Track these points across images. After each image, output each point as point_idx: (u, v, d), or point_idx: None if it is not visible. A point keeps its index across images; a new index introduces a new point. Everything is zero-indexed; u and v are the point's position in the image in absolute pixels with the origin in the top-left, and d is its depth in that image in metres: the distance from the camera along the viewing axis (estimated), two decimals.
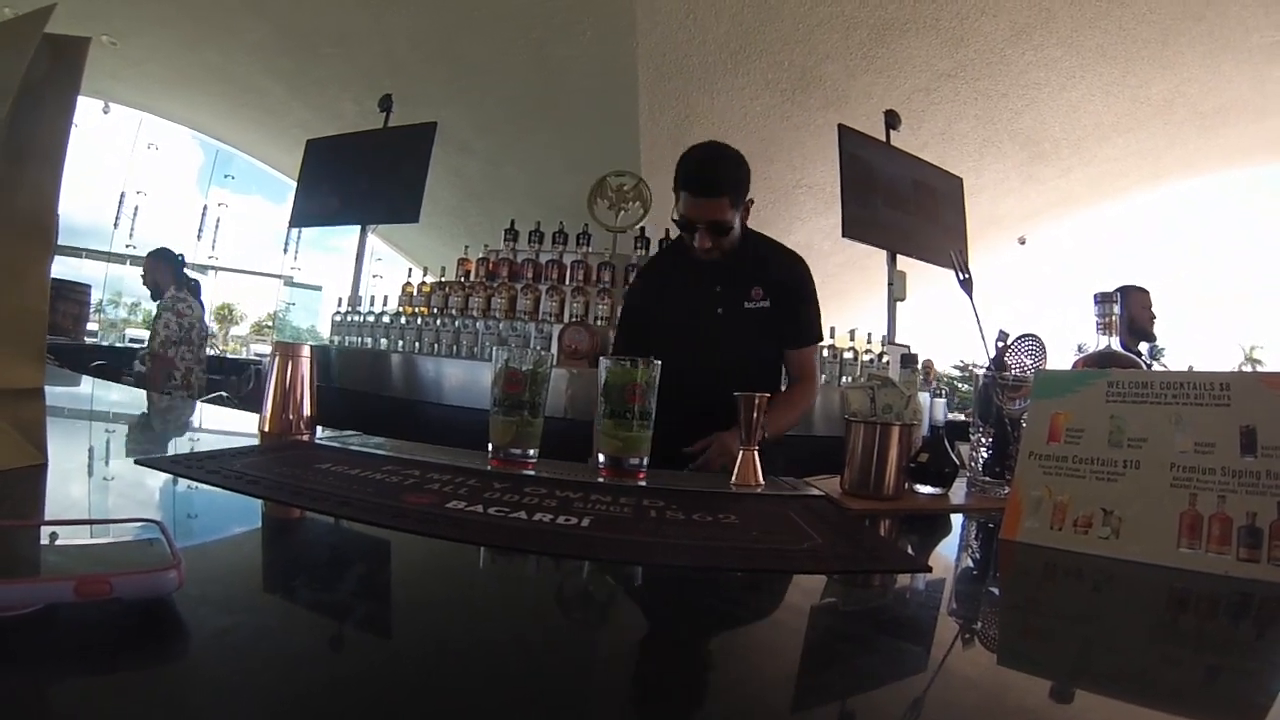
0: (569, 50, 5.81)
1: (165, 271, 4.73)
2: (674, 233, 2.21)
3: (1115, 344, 1.25)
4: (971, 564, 0.91)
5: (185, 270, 4.89)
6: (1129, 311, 3.99)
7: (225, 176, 18.54)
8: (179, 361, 4.49)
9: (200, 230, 18.79)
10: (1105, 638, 0.60)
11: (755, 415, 1.18)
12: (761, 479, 1.18)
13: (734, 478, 1.18)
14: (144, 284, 4.79)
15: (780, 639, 0.55)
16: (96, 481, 0.89)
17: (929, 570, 0.76)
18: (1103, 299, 1.26)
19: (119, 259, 16.71)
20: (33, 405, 0.82)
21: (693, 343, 1.97)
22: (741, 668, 0.48)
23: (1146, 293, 4.15)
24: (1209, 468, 0.80)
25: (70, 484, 0.84)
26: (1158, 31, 5.41)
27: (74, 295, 7.16)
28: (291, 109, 8.09)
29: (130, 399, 2.20)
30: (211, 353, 7.41)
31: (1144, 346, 4.14)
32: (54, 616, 0.40)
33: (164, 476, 0.86)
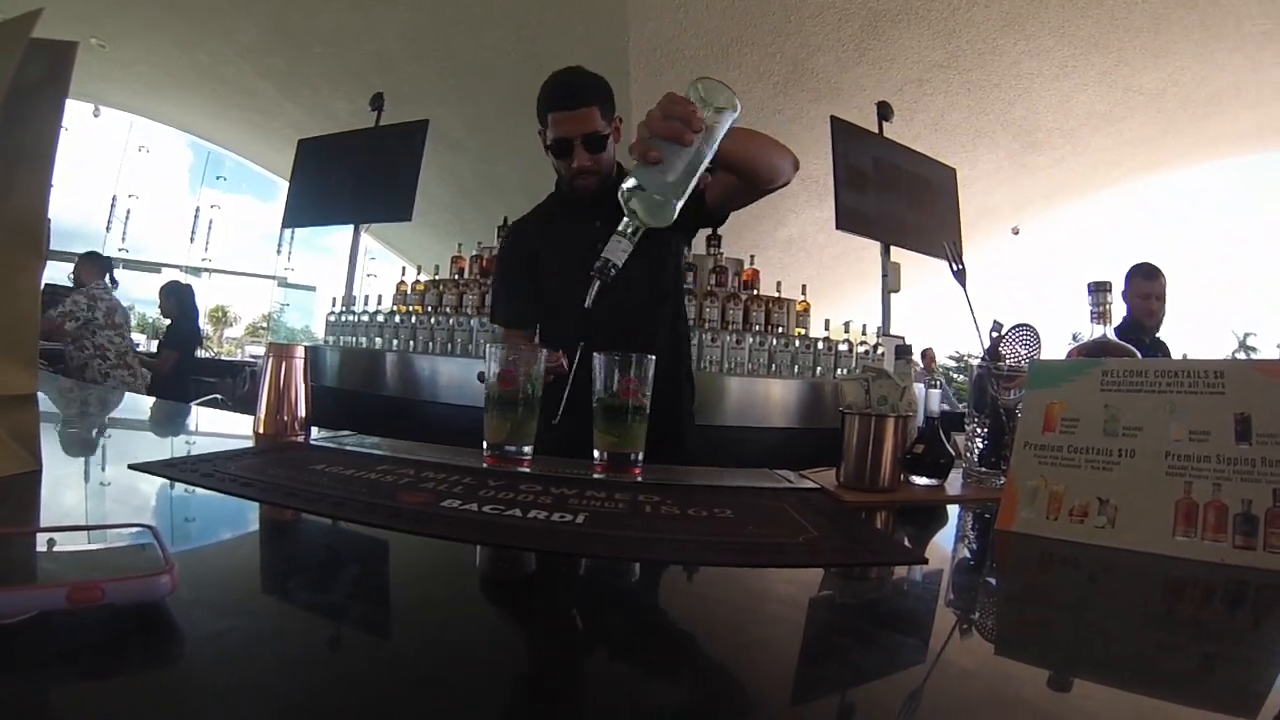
0: (560, 46, 5.79)
1: (90, 271, 5.01)
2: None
3: (1110, 333, 1.25)
4: (968, 555, 0.91)
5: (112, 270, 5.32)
6: (1127, 301, 3.80)
7: (217, 178, 18.53)
8: (108, 345, 4.71)
9: (193, 233, 18.77)
10: (1102, 627, 0.61)
11: None
12: None
13: None
14: (70, 277, 5.12)
15: (777, 633, 0.55)
16: (90, 487, 0.89)
17: (925, 562, 0.76)
18: (1096, 288, 1.26)
19: (113, 263, 16.65)
20: (26, 411, 0.82)
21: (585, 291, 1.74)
22: (739, 662, 0.48)
23: (1155, 280, 3.80)
24: (1204, 456, 0.80)
25: (64, 490, 0.83)
26: (1149, 20, 5.41)
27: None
28: (283, 109, 8.06)
29: (124, 403, 2.19)
30: (206, 355, 7.40)
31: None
32: (47, 623, 0.40)
33: (158, 481, 0.86)
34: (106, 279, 5.04)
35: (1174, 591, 0.74)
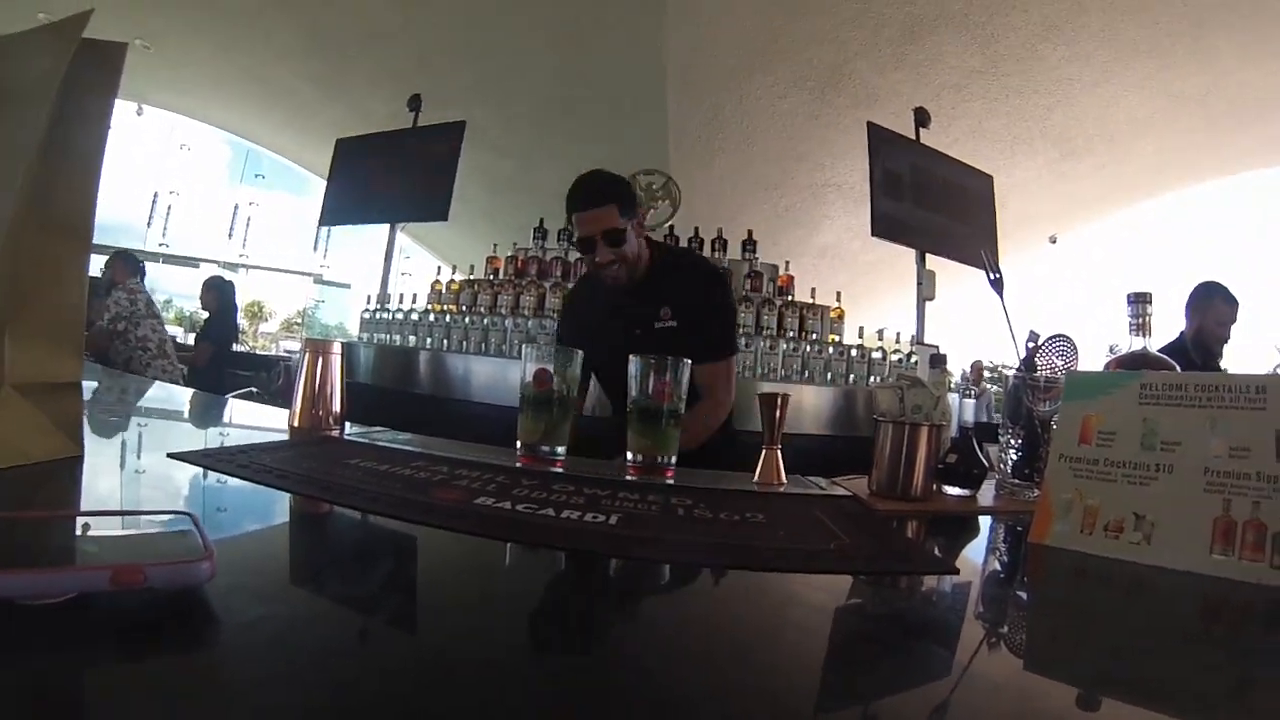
0: (598, 49, 5.82)
1: (123, 270, 5.08)
2: (702, 233, 2.24)
3: (1149, 345, 1.23)
4: (999, 567, 0.90)
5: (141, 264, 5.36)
6: (1199, 320, 3.60)
7: (255, 176, 18.83)
8: (150, 335, 4.78)
9: (231, 229, 19.09)
10: (1135, 645, 0.60)
11: (776, 414, 1.18)
12: (784, 477, 1.18)
13: (756, 476, 1.18)
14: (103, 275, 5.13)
15: (806, 640, 0.55)
16: (130, 474, 0.91)
17: (956, 573, 0.75)
18: (1136, 299, 1.24)
19: (152, 257, 17.00)
20: (70, 398, 0.84)
21: (617, 368, 1.80)
22: (766, 669, 0.48)
23: (1235, 308, 3.64)
24: (1244, 473, 0.78)
25: (105, 476, 0.85)
26: (1192, 24, 5.32)
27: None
28: (321, 109, 8.18)
29: (162, 393, 2.23)
30: (241, 349, 7.52)
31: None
32: (89, 604, 0.41)
33: (196, 470, 0.88)
34: (138, 277, 5.12)
35: (1210, 611, 0.73)
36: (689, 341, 1.94)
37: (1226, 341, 3.63)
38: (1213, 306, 3.60)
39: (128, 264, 5.17)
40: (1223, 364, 3.59)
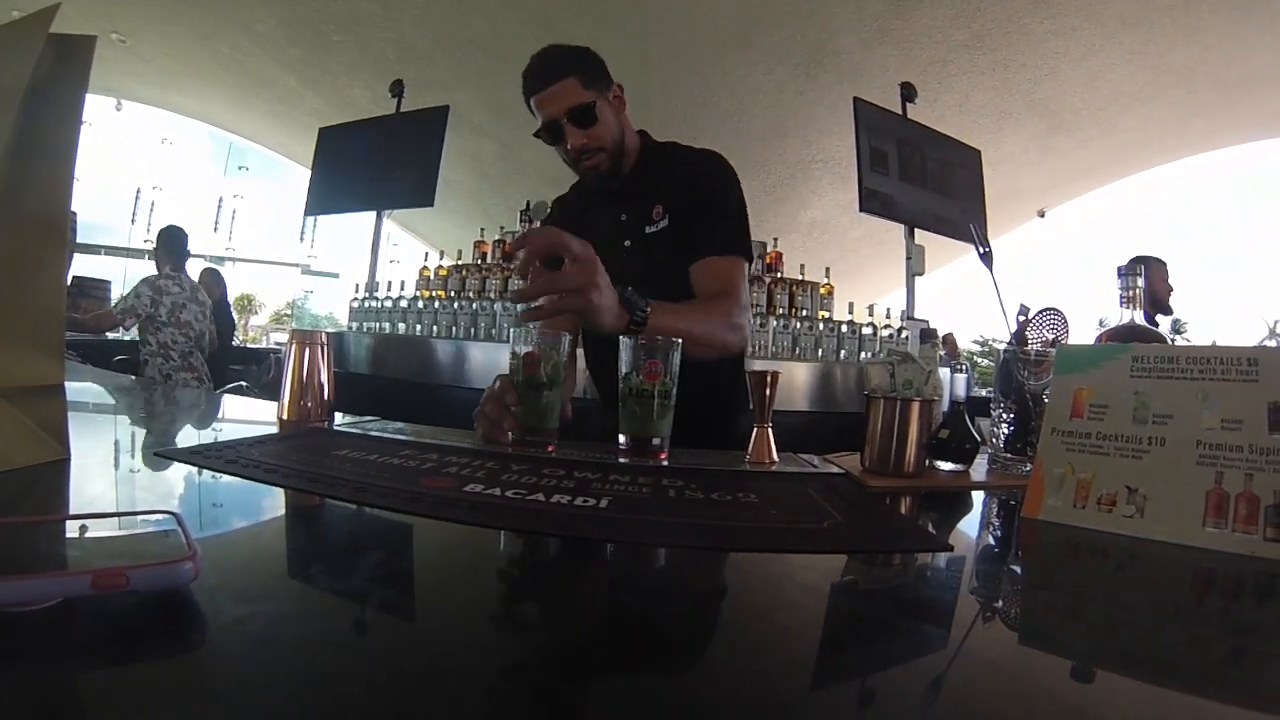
0: (580, 28, 5.77)
1: (164, 255, 4.83)
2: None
3: (1139, 317, 1.23)
4: (993, 542, 0.90)
5: (191, 256, 5.05)
6: (1149, 284, 4.02)
7: (239, 168, 18.67)
8: (171, 344, 4.49)
9: (216, 222, 18.96)
10: (1129, 618, 0.60)
11: (767, 393, 1.18)
12: (776, 456, 1.17)
13: (748, 455, 1.18)
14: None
15: (800, 619, 0.54)
16: (117, 474, 0.90)
17: (950, 549, 0.75)
18: (1126, 271, 1.24)
19: (137, 254, 16.88)
20: (54, 401, 0.83)
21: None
22: (761, 649, 0.48)
23: (1164, 264, 4.19)
24: (1236, 445, 0.78)
25: (91, 478, 0.84)
26: None
27: (94, 292, 7.19)
28: (303, 98, 8.10)
29: (152, 390, 2.22)
30: (232, 343, 7.44)
31: (1163, 320, 4.20)
32: (73, 610, 0.40)
33: (183, 467, 0.87)
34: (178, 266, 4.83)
35: (1203, 583, 0.73)
36: (685, 241, 1.68)
37: (1172, 292, 4.25)
38: (1151, 268, 4.08)
39: (168, 248, 4.81)
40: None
